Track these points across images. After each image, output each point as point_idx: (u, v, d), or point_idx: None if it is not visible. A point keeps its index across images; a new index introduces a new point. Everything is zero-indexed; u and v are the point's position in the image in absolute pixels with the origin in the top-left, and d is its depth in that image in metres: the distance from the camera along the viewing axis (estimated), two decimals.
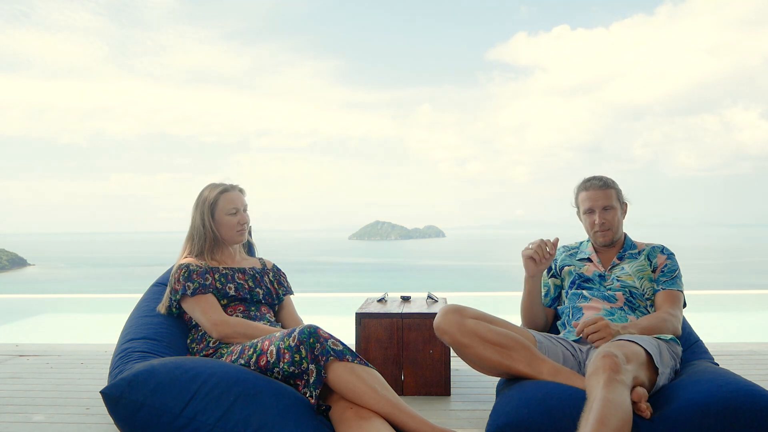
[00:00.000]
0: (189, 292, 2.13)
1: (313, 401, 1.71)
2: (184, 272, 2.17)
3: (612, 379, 1.62)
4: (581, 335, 1.99)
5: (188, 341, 2.20)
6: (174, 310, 2.22)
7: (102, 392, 1.73)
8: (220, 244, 2.30)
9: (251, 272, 2.33)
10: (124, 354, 2.08)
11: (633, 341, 1.89)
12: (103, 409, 1.76)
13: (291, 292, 2.45)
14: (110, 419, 1.77)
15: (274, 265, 2.50)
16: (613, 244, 2.35)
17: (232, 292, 2.21)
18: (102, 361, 3.62)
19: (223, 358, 1.99)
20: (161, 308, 2.25)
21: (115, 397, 1.71)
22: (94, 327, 7.05)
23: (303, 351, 1.75)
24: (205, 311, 2.11)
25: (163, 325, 2.25)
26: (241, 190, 2.34)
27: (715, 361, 2.25)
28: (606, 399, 1.56)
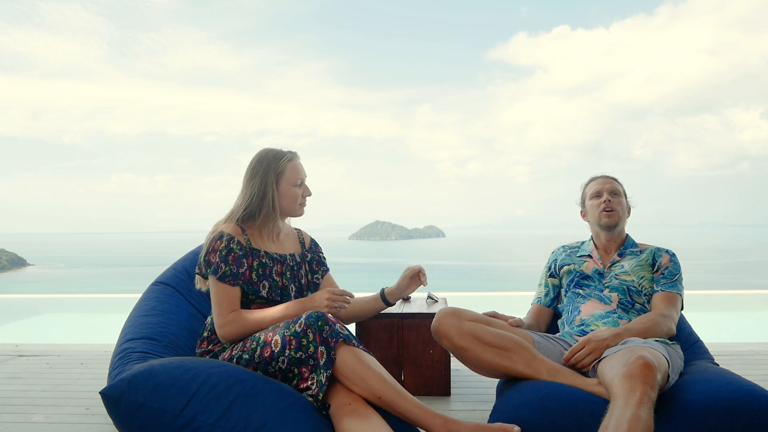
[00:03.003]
0: (218, 275, 1.99)
1: (324, 381, 1.70)
2: (224, 248, 2.01)
3: (647, 396, 1.57)
4: (570, 363, 1.99)
5: (207, 320, 2.13)
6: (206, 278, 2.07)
7: (101, 393, 1.73)
8: (274, 217, 2.11)
9: (291, 262, 2.17)
10: (123, 354, 2.08)
11: (654, 348, 1.86)
12: (103, 409, 1.77)
13: (328, 269, 2.33)
14: (110, 419, 1.77)
15: (311, 241, 2.34)
16: (617, 228, 2.35)
17: (263, 292, 2.07)
18: (102, 361, 3.62)
19: (226, 351, 1.97)
20: (197, 282, 2.11)
21: (114, 398, 1.70)
22: (94, 327, 7.06)
23: (310, 335, 1.74)
24: (221, 302, 1.99)
25: (162, 324, 2.25)
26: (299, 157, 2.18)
27: (715, 361, 2.25)
28: (637, 417, 1.51)
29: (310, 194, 2.18)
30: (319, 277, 2.29)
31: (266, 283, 2.07)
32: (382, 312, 2.86)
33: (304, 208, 2.19)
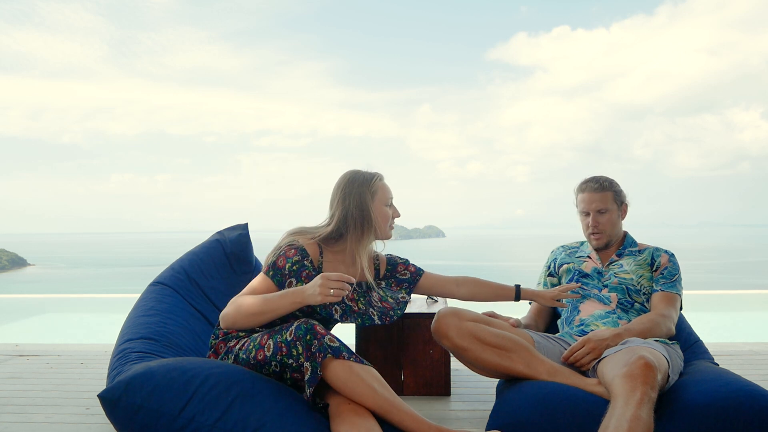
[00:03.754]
0: (287, 288, 1.93)
1: (307, 398, 1.69)
2: (297, 263, 1.96)
3: (648, 396, 1.58)
4: (570, 361, 2.00)
5: None
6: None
7: (99, 395, 1.72)
8: (369, 236, 2.06)
9: (363, 288, 2.12)
10: (121, 355, 2.07)
11: (654, 348, 1.87)
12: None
13: (421, 273, 2.26)
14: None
15: (387, 263, 2.27)
16: (607, 246, 2.36)
17: (336, 316, 2.00)
18: (102, 361, 3.62)
19: (234, 341, 1.97)
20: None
21: (112, 400, 1.70)
22: (94, 327, 7.06)
23: (299, 347, 1.71)
24: (248, 289, 1.95)
25: (160, 324, 2.24)
26: None
27: (715, 361, 2.25)
28: (638, 417, 1.52)
29: (399, 215, 2.14)
30: (405, 295, 2.22)
31: (339, 308, 2.02)
32: None
33: (393, 231, 2.14)
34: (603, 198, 2.30)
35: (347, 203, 2.04)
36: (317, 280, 1.80)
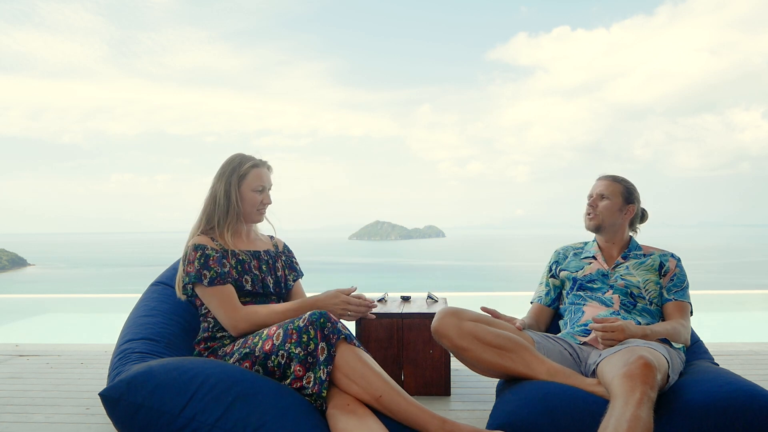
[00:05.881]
0: (205, 281, 2.02)
1: (325, 378, 1.71)
2: (200, 257, 2.05)
3: (647, 396, 1.58)
4: (594, 331, 2.03)
5: (201, 328, 2.14)
6: (190, 294, 2.11)
7: (100, 394, 1.73)
8: (238, 220, 2.19)
9: (266, 257, 2.23)
10: (122, 355, 2.07)
11: (654, 348, 1.88)
12: (103, 409, 1.77)
13: (302, 275, 2.38)
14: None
15: (285, 245, 2.42)
16: (600, 231, 2.37)
17: (248, 286, 2.11)
18: (102, 361, 3.62)
19: (228, 347, 1.99)
20: (178, 293, 2.13)
21: (113, 399, 1.70)
22: (94, 327, 7.06)
23: (312, 331, 1.75)
24: (222, 304, 2.02)
25: (161, 325, 2.24)
26: (269, 168, 2.24)
27: (715, 361, 2.25)
28: (637, 417, 1.52)
29: (269, 203, 2.23)
30: (291, 280, 2.32)
31: (248, 278, 2.13)
32: (383, 312, 2.86)
33: (263, 216, 2.24)
34: (607, 185, 2.36)
35: (218, 185, 2.17)
36: (338, 298, 2.00)
